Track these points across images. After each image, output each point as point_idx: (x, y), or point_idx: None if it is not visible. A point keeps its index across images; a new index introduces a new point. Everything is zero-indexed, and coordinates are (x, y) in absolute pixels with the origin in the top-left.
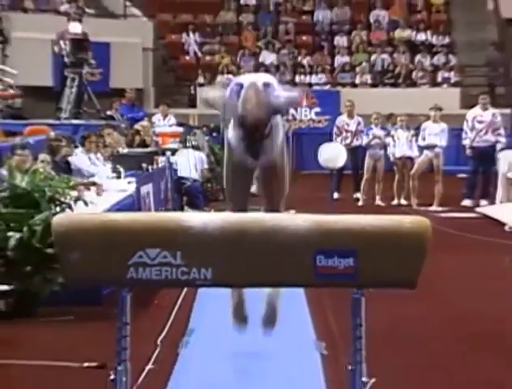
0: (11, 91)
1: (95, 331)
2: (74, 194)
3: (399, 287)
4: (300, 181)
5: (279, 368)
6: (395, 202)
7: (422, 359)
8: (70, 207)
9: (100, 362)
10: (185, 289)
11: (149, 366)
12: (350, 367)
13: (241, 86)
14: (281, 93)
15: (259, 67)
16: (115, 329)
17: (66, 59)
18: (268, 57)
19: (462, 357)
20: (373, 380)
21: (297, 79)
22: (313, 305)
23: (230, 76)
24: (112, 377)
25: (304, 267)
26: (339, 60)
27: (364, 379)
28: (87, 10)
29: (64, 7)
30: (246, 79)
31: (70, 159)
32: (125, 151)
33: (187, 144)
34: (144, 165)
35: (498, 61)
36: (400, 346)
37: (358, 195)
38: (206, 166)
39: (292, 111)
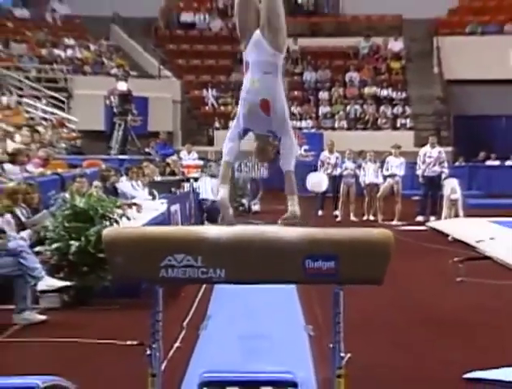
0: (74, 135)
1: (135, 317)
2: (120, 211)
3: (370, 283)
4: None
5: (277, 346)
6: (365, 218)
7: (388, 338)
8: (116, 221)
9: (139, 341)
10: (204, 285)
11: (177, 344)
12: (331, 345)
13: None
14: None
15: None
16: (150, 315)
17: (114, 110)
18: None
19: (419, 337)
20: (348, 355)
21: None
22: (303, 298)
23: None
24: (148, 352)
25: (296, 268)
26: (322, 109)
27: (342, 355)
28: (131, 72)
29: (114, 70)
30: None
31: (117, 185)
32: (159, 179)
33: (205, 174)
34: (173, 190)
35: (442, 112)
36: (371, 329)
37: (337, 213)
38: None
39: None
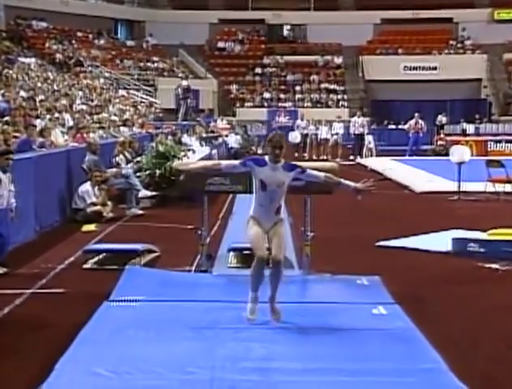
0: (158, 110)
1: (192, 212)
2: (183, 153)
3: (325, 194)
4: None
5: None
6: (321, 157)
7: (333, 223)
8: (180, 158)
9: (194, 226)
10: (231, 195)
11: (215, 228)
12: (303, 228)
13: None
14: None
15: None
16: (200, 212)
17: (180, 96)
18: None
19: (350, 221)
20: (312, 233)
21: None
22: (288, 205)
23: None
24: (199, 232)
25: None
26: (297, 96)
27: (308, 233)
28: (189, 75)
29: (180, 74)
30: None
31: (181, 138)
32: (204, 135)
33: (231, 132)
34: (213, 141)
35: (364, 97)
36: (325, 219)
37: (305, 154)
38: (240, 142)
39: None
